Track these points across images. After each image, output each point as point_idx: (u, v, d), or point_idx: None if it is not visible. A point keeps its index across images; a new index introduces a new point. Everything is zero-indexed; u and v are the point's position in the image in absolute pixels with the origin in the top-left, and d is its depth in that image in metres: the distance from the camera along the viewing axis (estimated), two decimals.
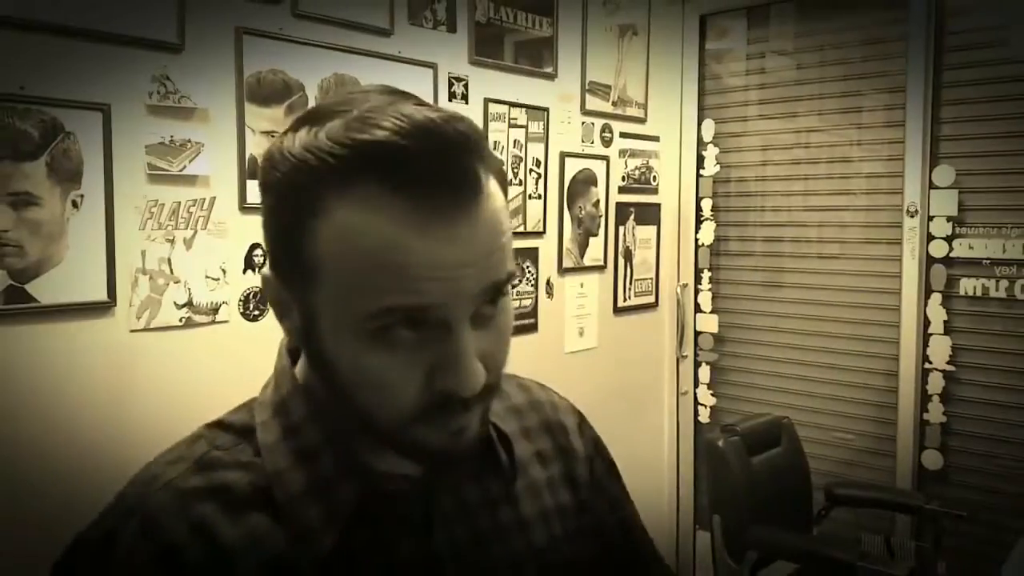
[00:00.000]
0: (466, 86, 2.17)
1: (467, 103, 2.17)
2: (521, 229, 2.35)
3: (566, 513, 0.74)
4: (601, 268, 2.64)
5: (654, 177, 2.83)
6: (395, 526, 0.62)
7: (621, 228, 2.70)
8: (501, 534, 0.68)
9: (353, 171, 0.52)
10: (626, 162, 2.71)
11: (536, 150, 2.38)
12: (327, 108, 0.56)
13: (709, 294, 2.90)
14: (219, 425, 0.65)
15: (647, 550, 0.83)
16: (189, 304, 1.67)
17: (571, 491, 0.76)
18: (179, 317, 1.66)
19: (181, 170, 1.64)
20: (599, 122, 2.60)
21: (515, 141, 2.32)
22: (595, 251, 2.60)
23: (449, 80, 2.13)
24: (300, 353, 0.65)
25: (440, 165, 0.52)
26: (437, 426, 0.57)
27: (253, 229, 1.77)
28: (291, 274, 0.57)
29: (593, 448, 0.80)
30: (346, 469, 0.61)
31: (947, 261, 2.39)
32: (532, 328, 2.41)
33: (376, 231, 0.52)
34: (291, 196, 0.55)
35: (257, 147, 1.75)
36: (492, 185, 0.56)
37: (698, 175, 2.89)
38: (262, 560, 0.58)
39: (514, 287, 2.26)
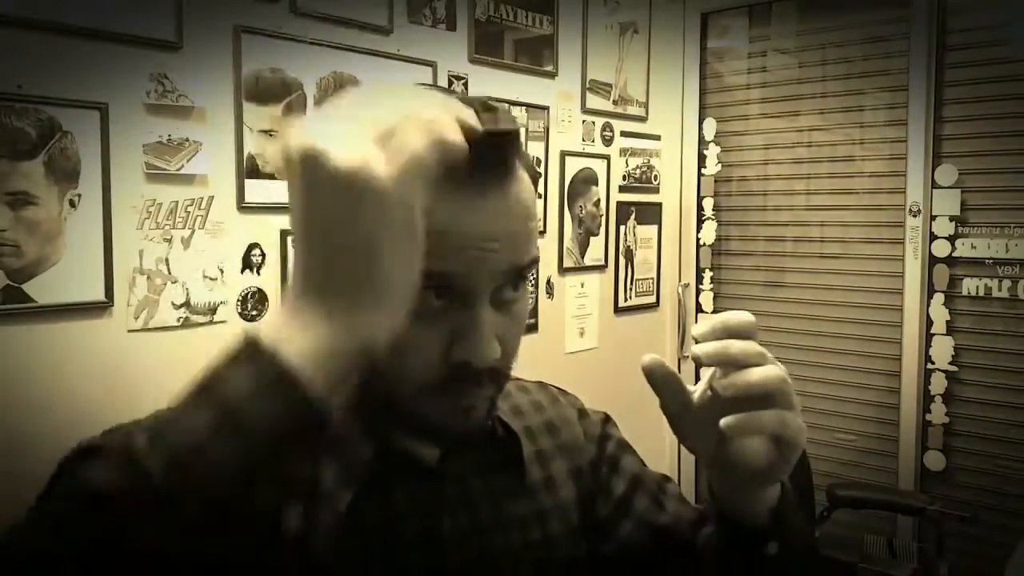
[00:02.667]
0: (466, 84, 2.16)
1: None
2: None
3: (572, 508, 0.75)
4: (602, 268, 2.63)
5: (655, 176, 2.82)
6: (404, 501, 0.65)
7: (622, 227, 2.69)
8: (504, 529, 0.70)
9: None
10: (627, 161, 2.70)
11: (536, 149, 2.37)
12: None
13: (711, 294, 2.89)
14: None
15: (687, 510, 0.80)
16: (187, 304, 1.66)
17: (577, 485, 0.77)
18: (177, 317, 1.65)
19: (179, 169, 1.63)
20: (600, 121, 2.59)
21: None
22: (596, 251, 2.60)
23: (449, 79, 2.12)
24: None
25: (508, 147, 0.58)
26: (448, 401, 0.60)
27: (251, 229, 1.76)
28: None
29: (600, 430, 0.82)
30: (362, 430, 0.63)
31: (950, 261, 2.38)
32: (532, 328, 2.40)
33: None
34: None
35: (255, 146, 1.74)
36: (522, 173, 0.61)
37: (699, 174, 2.88)
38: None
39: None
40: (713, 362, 0.61)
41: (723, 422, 0.58)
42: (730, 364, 0.60)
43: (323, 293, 0.44)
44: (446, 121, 0.45)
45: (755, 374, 0.59)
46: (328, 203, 0.42)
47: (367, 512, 0.62)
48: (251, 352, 0.44)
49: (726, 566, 0.69)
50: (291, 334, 0.44)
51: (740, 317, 0.62)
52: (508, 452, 0.72)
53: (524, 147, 0.62)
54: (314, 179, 0.42)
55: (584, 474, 0.78)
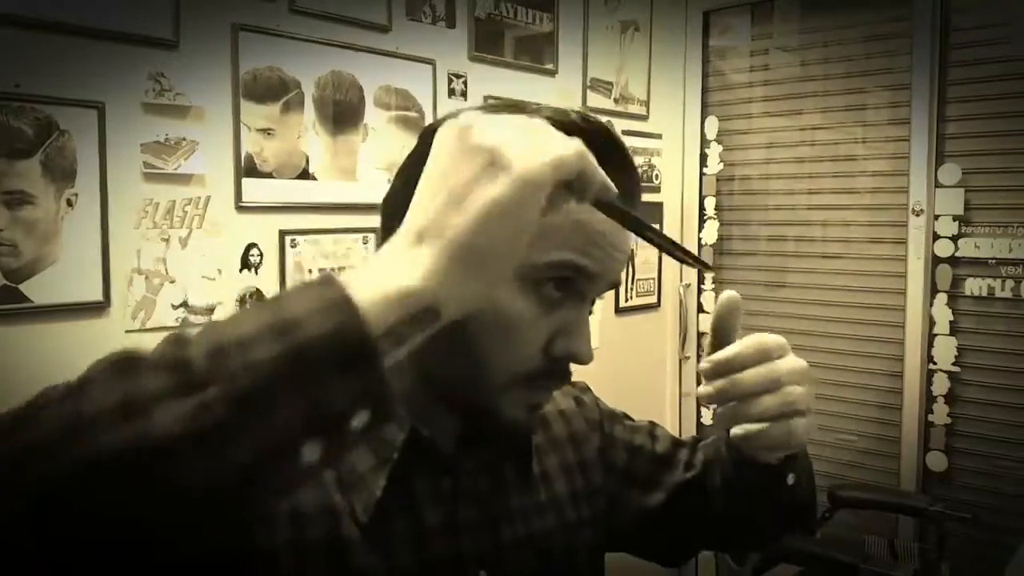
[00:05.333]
0: (465, 83, 2.15)
1: (466, 100, 2.15)
2: None
3: (566, 502, 0.78)
4: None
5: (656, 175, 2.81)
6: (426, 489, 0.66)
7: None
8: (514, 519, 0.71)
9: None
10: None
11: None
12: (511, 100, 0.68)
13: (712, 294, 2.88)
14: None
15: (679, 448, 0.86)
16: (184, 304, 1.66)
17: (573, 477, 0.79)
18: (175, 317, 1.64)
19: (176, 168, 1.63)
20: (600, 119, 2.57)
21: None
22: None
23: (448, 77, 2.11)
24: None
25: (630, 163, 0.65)
26: (525, 396, 0.63)
27: (249, 228, 1.75)
28: None
29: (597, 414, 0.85)
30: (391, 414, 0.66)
31: (952, 261, 2.37)
32: None
33: None
34: None
35: (253, 145, 1.73)
36: None
37: (701, 173, 2.87)
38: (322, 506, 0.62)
39: None
40: (724, 400, 0.64)
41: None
42: (743, 396, 0.63)
43: (434, 239, 0.45)
44: (583, 152, 0.47)
45: (772, 408, 0.62)
46: (473, 173, 0.45)
47: (397, 504, 0.64)
48: (324, 278, 0.44)
49: (747, 500, 0.75)
50: (381, 266, 0.45)
51: (741, 351, 0.63)
52: (518, 443, 0.74)
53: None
54: (466, 150, 0.45)
55: (590, 463, 0.81)
